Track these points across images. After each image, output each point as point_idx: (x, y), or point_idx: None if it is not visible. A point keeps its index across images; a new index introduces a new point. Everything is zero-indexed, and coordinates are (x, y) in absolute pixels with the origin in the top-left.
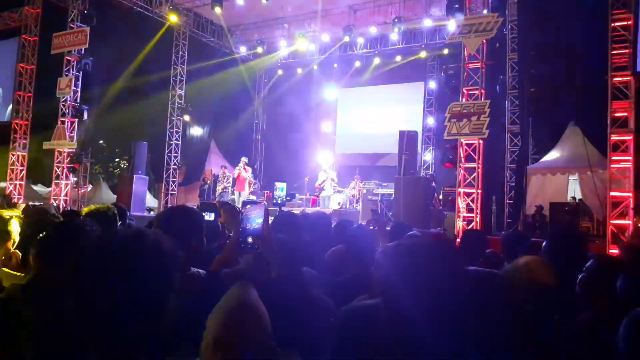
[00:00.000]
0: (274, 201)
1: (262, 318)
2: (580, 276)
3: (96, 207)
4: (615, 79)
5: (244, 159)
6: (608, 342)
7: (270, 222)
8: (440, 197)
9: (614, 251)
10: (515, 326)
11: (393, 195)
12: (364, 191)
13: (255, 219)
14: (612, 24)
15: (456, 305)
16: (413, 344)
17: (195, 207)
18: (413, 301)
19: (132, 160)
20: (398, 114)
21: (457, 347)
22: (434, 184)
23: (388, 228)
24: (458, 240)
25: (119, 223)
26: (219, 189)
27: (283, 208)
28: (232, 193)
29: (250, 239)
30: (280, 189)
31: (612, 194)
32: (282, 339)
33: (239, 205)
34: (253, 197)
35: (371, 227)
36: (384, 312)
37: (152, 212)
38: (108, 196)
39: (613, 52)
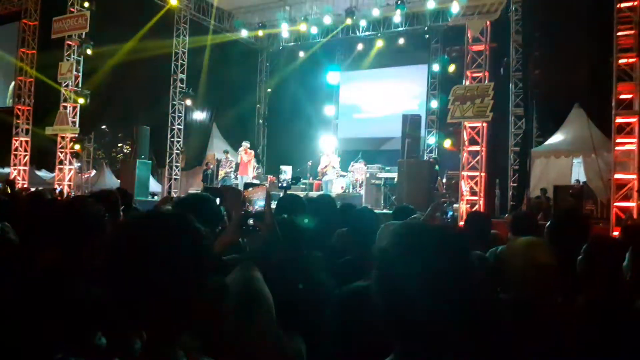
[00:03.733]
0: (279, 184)
1: (268, 303)
2: (579, 258)
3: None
4: (620, 61)
5: (246, 144)
6: (605, 324)
7: (273, 205)
8: (444, 180)
9: (617, 234)
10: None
11: (396, 179)
12: (367, 175)
13: (256, 202)
14: (618, 5)
15: (453, 289)
16: (407, 325)
17: (200, 192)
18: (409, 282)
19: (135, 145)
20: (401, 97)
21: (450, 329)
22: (437, 167)
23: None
24: (461, 223)
25: (122, 207)
26: (221, 173)
27: (288, 191)
28: (235, 178)
29: (251, 221)
30: (286, 172)
31: (616, 176)
32: (284, 322)
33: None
34: (256, 182)
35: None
36: (377, 291)
37: (155, 197)
38: (111, 181)
39: (618, 33)
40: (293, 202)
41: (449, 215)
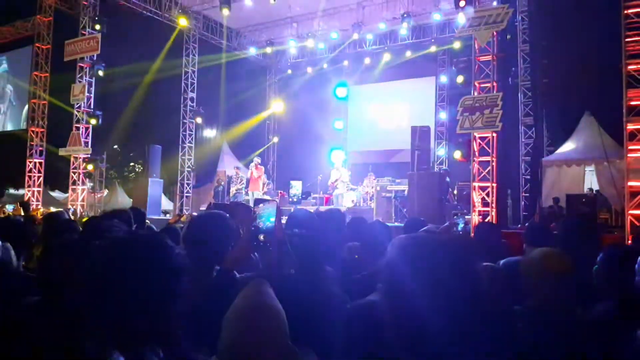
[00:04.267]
0: (290, 199)
1: (279, 317)
2: (595, 268)
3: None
4: (629, 67)
5: (257, 159)
6: (625, 333)
7: (284, 220)
8: (455, 192)
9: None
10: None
11: (407, 192)
12: (378, 188)
13: (267, 217)
14: (625, 11)
15: (461, 300)
16: (416, 342)
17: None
18: (418, 297)
19: (147, 164)
20: (410, 110)
21: (463, 347)
22: (448, 178)
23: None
24: (472, 234)
25: (135, 226)
26: (232, 190)
27: (298, 206)
28: (246, 194)
29: (261, 237)
30: (296, 187)
31: (629, 183)
32: (297, 337)
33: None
34: (267, 197)
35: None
36: (387, 307)
37: (167, 215)
38: (124, 200)
39: (627, 39)
40: (303, 216)
41: (459, 228)
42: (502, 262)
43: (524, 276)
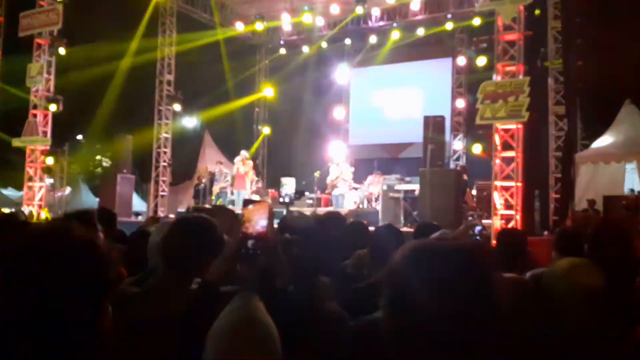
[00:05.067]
0: (281, 199)
1: (270, 334)
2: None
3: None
4: None
5: (244, 153)
6: None
7: (275, 224)
8: (474, 192)
9: None
10: (557, 340)
11: (418, 192)
12: (384, 188)
13: (257, 221)
14: None
15: (484, 325)
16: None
17: (186, 211)
18: (427, 315)
19: (116, 157)
20: (422, 97)
21: None
22: (465, 177)
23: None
24: (493, 242)
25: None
26: (215, 189)
27: (291, 208)
28: (232, 193)
29: (250, 244)
30: (287, 185)
31: None
32: (291, 357)
33: (240, 206)
34: (256, 197)
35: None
36: (390, 327)
37: (140, 217)
38: (89, 199)
39: None
40: (297, 220)
41: (477, 230)
42: (528, 274)
43: (548, 291)
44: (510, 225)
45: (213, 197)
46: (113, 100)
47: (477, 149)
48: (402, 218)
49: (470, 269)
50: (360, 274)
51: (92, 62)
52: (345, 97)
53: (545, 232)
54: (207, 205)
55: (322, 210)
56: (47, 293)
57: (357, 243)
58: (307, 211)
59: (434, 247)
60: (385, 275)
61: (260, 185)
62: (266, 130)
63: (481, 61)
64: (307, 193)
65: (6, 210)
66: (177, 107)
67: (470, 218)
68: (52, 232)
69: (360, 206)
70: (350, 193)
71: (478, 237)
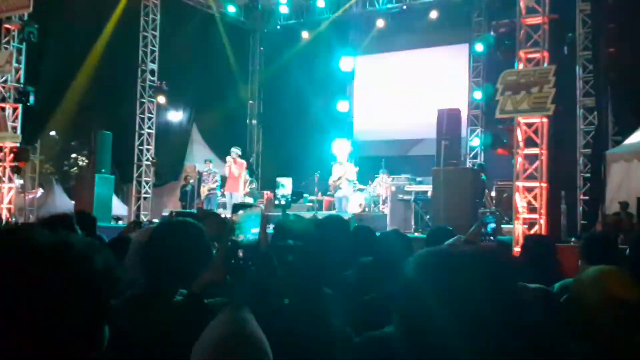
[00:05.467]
0: (277, 202)
1: (262, 349)
2: None
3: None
4: None
5: (236, 150)
6: None
7: (271, 229)
8: (493, 193)
9: None
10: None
11: (431, 193)
12: (393, 189)
13: (249, 228)
14: None
15: (506, 341)
16: None
17: (169, 216)
18: (445, 331)
19: (93, 155)
20: (435, 88)
21: None
22: (484, 176)
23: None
24: (517, 249)
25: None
26: (204, 190)
27: (288, 211)
28: (222, 195)
29: (240, 253)
30: (284, 186)
31: None
32: None
33: (230, 210)
34: (249, 200)
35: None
36: (403, 343)
37: (120, 222)
38: (63, 202)
39: None
40: (296, 225)
41: (489, 229)
42: (557, 285)
43: (576, 303)
44: (533, 231)
45: (203, 199)
46: (90, 92)
47: (496, 145)
48: (412, 222)
49: (491, 280)
50: (364, 285)
51: (67, 50)
52: (349, 88)
53: (573, 239)
54: (194, 210)
55: (323, 214)
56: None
57: (361, 250)
58: (307, 215)
59: (452, 255)
60: (397, 288)
61: (254, 186)
62: (261, 125)
63: (501, 48)
64: (306, 195)
65: None
66: (161, 99)
67: (483, 216)
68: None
69: (366, 209)
70: (355, 195)
71: (492, 238)
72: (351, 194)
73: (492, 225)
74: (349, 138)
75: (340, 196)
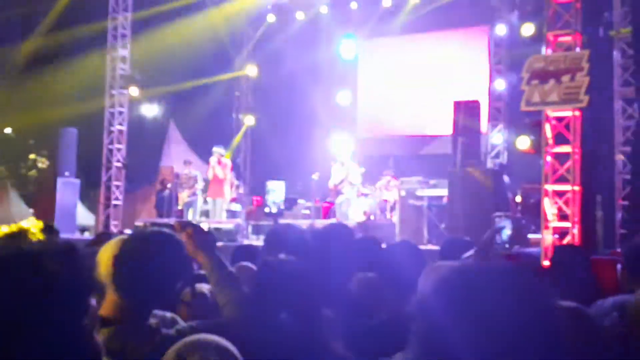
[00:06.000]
0: (267, 209)
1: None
2: None
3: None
4: None
5: (219, 150)
6: None
7: (260, 241)
8: (518, 198)
9: None
10: None
11: (446, 198)
12: (403, 193)
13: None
14: None
15: None
16: None
17: (143, 226)
18: (461, 350)
19: (55, 156)
20: (451, 76)
21: None
22: (507, 179)
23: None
24: (546, 262)
25: None
26: (183, 196)
27: (280, 220)
28: (205, 202)
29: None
30: (275, 191)
31: None
32: None
33: (217, 217)
34: (237, 207)
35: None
36: None
37: (86, 233)
38: (19, 210)
39: None
40: (290, 235)
41: (504, 235)
42: (597, 305)
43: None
44: (565, 241)
45: (180, 207)
46: (51, 83)
47: (522, 143)
48: (425, 232)
49: (521, 299)
50: (369, 304)
51: (25, 32)
52: (351, 78)
53: (611, 250)
54: (172, 220)
55: (321, 222)
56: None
57: (366, 265)
58: (303, 224)
59: (474, 270)
60: (413, 308)
61: (242, 190)
62: (249, 120)
63: (527, 30)
64: (301, 201)
65: None
66: (133, 90)
67: (497, 221)
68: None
69: (372, 217)
70: (359, 200)
71: (507, 245)
72: (354, 200)
73: (507, 231)
74: (351, 134)
75: (341, 202)
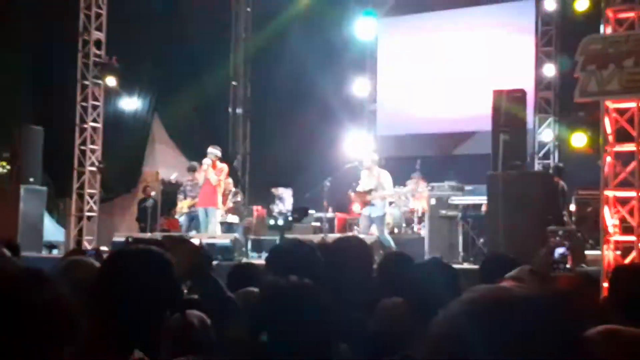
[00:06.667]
0: (271, 222)
1: None
2: None
3: None
4: None
5: (214, 151)
6: None
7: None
8: (572, 206)
9: None
10: None
11: (485, 207)
12: (433, 202)
13: None
14: None
15: None
16: None
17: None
18: None
19: (17, 159)
20: (489, 61)
21: None
22: (562, 184)
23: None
24: (606, 284)
25: None
26: (182, 205)
27: (287, 234)
28: (190, 214)
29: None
30: (282, 199)
31: None
32: None
33: (208, 232)
34: (234, 218)
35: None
36: None
37: (55, 251)
38: None
39: None
40: (299, 253)
41: (558, 254)
42: None
43: None
44: (630, 259)
45: (179, 216)
46: (11, 75)
47: (577, 140)
48: (460, 249)
49: (567, 335)
50: (392, 337)
51: None
52: (370, 64)
53: None
54: (158, 235)
55: (334, 237)
56: None
57: (388, 288)
58: (314, 238)
59: (510, 298)
60: (438, 341)
61: (239, 199)
62: (248, 115)
63: (582, 4)
64: (311, 211)
65: None
66: (110, 81)
67: (552, 240)
68: None
69: (396, 230)
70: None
71: (562, 266)
72: (383, 209)
73: (561, 250)
74: (370, 130)
75: (370, 215)
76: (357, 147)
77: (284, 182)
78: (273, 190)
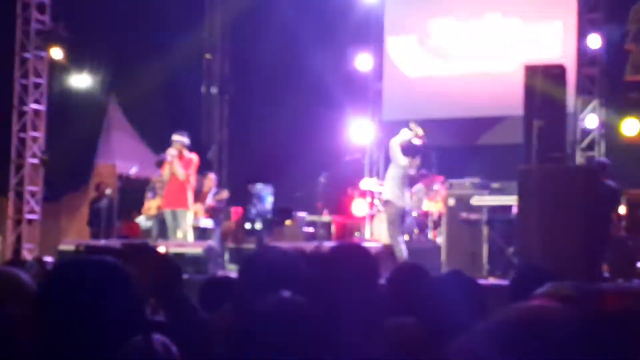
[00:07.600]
0: (247, 225)
1: None
2: None
3: None
4: None
5: (181, 139)
6: None
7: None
8: (622, 209)
9: None
10: None
11: (516, 210)
12: (451, 203)
13: None
14: None
15: None
16: None
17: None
18: None
19: None
20: (520, 32)
21: None
22: (611, 183)
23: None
24: None
25: None
26: (150, 206)
27: (268, 240)
28: (156, 216)
29: None
30: (261, 197)
31: None
32: None
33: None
34: (208, 222)
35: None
36: None
37: None
38: None
39: None
40: (274, 265)
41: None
42: None
43: None
44: None
45: (143, 220)
46: None
47: (628, 127)
48: (485, 259)
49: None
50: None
51: None
52: (375, 35)
53: None
54: (115, 242)
55: (332, 245)
56: None
57: (397, 306)
58: (307, 247)
59: (549, 322)
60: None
61: (225, 196)
62: (226, 95)
63: None
64: (302, 213)
65: None
66: (56, 53)
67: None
68: None
69: (406, 237)
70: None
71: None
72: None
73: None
74: (375, 115)
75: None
76: (358, 135)
77: (267, 177)
78: (250, 187)
